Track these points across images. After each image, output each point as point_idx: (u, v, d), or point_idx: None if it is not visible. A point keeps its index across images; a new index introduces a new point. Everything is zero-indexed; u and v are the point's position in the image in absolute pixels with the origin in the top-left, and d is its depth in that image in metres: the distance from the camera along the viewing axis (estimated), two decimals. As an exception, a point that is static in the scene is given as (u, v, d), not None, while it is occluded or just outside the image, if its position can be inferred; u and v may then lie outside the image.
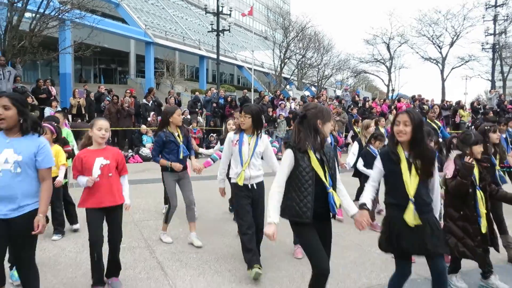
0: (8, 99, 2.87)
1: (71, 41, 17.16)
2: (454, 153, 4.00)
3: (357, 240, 5.28)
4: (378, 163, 3.15)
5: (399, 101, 19.46)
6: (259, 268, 3.98)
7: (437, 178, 3.13)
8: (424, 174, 2.98)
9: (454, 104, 19.84)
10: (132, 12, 32.33)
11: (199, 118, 15.29)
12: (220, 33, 22.03)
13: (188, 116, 14.55)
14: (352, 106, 16.76)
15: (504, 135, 7.56)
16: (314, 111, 2.99)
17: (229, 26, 23.06)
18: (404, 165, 2.99)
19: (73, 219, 5.52)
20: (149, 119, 14.04)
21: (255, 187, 4.26)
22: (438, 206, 3.16)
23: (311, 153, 2.93)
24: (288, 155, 2.95)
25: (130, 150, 13.22)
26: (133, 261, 4.44)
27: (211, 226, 5.73)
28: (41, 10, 12.85)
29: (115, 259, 3.83)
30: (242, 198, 4.22)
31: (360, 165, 5.95)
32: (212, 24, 22.46)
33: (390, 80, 40.79)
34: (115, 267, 3.86)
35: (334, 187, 2.99)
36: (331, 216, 3.06)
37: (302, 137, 2.94)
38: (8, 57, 12.32)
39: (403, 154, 3.02)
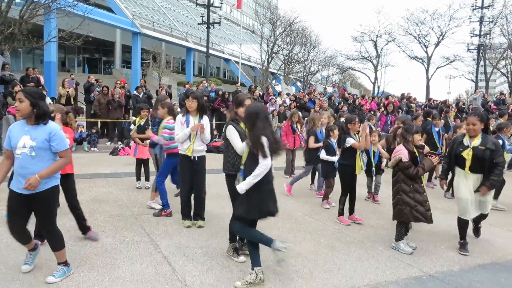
0: (22, 93, 3.46)
1: (56, 30, 16.80)
2: None
3: (360, 237, 5.34)
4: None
5: (387, 98, 19.63)
6: (191, 221, 5.50)
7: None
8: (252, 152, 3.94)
9: (440, 104, 20.13)
10: (119, 2, 31.79)
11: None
12: (210, 25, 21.83)
13: (179, 109, 14.39)
14: (342, 102, 16.83)
15: (437, 129, 8.73)
16: (234, 101, 4.48)
17: (220, 19, 22.86)
18: None
19: None
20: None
21: (197, 159, 5.40)
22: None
23: (243, 126, 4.11)
24: (233, 128, 4.20)
25: (119, 142, 13.03)
26: (139, 256, 4.40)
27: (215, 221, 5.71)
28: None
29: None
30: (186, 168, 5.42)
31: (323, 154, 6.85)
32: (202, 17, 22.23)
33: (376, 77, 41.18)
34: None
35: None
36: None
37: (232, 116, 4.36)
38: (-4, 44, 11.98)
39: None
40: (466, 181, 4.87)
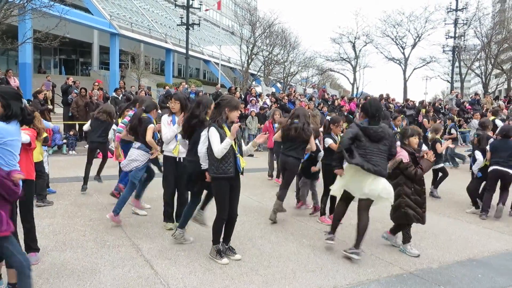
0: None
1: (32, 30, 16.48)
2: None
3: (341, 237, 5.39)
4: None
5: (365, 99, 19.89)
6: (173, 224, 5.40)
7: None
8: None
9: (417, 104, 20.54)
10: (97, 2, 31.34)
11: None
12: (189, 26, 21.73)
13: (159, 111, 14.27)
14: (322, 103, 17.00)
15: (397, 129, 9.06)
16: (225, 101, 4.32)
17: (199, 20, 22.76)
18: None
19: None
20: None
21: (182, 161, 5.26)
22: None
23: (226, 129, 4.23)
24: (215, 131, 4.18)
25: (98, 145, 12.81)
26: (120, 260, 4.34)
27: (197, 224, 5.66)
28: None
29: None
30: (170, 170, 5.38)
31: None
32: (182, 18, 22.10)
33: (355, 78, 41.72)
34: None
35: (240, 153, 4.33)
36: (240, 172, 4.36)
37: (217, 117, 4.27)
38: (-32, 45, 11.67)
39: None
40: None
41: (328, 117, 6.36)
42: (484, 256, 4.98)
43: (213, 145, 4.19)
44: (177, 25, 28.12)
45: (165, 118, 5.42)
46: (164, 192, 5.55)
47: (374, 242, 5.24)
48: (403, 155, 4.78)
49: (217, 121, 4.26)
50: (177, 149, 5.30)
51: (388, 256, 4.76)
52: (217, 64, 38.33)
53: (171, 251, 4.66)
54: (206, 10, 31.18)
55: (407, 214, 4.75)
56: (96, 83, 14.49)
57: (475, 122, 12.20)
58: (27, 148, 4.03)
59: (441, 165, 8.15)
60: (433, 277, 4.24)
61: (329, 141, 5.93)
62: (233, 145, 4.23)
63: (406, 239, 4.91)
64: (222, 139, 4.17)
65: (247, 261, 4.43)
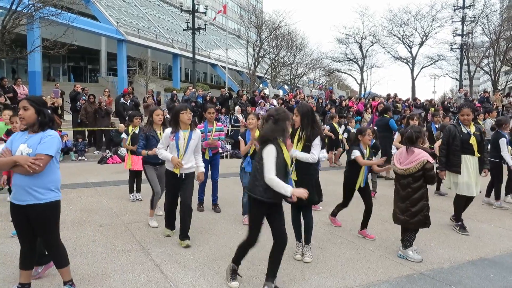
0: (27, 101, 3.30)
1: (40, 39, 16.69)
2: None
3: (351, 238, 5.38)
4: None
5: (373, 99, 19.83)
6: (172, 231, 5.32)
7: (316, 150, 4.40)
8: (305, 143, 4.39)
9: (425, 103, 20.40)
10: (104, 9, 31.66)
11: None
12: (195, 31, 21.82)
13: (168, 116, 14.34)
14: (329, 104, 16.95)
15: (436, 126, 9.22)
16: (284, 114, 3.70)
17: (205, 24, 22.86)
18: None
19: None
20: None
21: (183, 177, 4.97)
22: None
23: (284, 147, 3.64)
24: (273, 150, 3.53)
25: (108, 151, 12.93)
26: (130, 264, 4.37)
27: (206, 227, 5.70)
28: (14, 7, 12.38)
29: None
30: (172, 184, 5.06)
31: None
32: (187, 22, 22.22)
33: (362, 79, 41.55)
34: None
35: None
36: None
37: (276, 134, 3.62)
38: (-22, 55, 11.84)
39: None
40: (468, 165, 5.69)
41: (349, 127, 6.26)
42: (495, 255, 4.92)
43: (267, 164, 3.56)
44: (183, 30, 28.28)
45: (168, 132, 4.95)
46: (165, 202, 5.33)
47: (384, 243, 5.21)
48: (427, 156, 4.49)
49: (273, 137, 3.65)
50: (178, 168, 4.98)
51: (398, 257, 4.72)
52: (224, 67, 38.44)
53: (180, 255, 4.67)
54: (214, 18, 31.37)
55: (427, 218, 4.57)
56: (107, 90, 14.59)
57: (488, 122, 11.99)
58: None
59: None
60: (444, 277, 4.20)
61: (356, 153, 5.38)
62: (289, 164, 3.75)
63: (410, 243, 4.67)
64: (278, 158, 3.56)
65: (256, 263, 4.43)
